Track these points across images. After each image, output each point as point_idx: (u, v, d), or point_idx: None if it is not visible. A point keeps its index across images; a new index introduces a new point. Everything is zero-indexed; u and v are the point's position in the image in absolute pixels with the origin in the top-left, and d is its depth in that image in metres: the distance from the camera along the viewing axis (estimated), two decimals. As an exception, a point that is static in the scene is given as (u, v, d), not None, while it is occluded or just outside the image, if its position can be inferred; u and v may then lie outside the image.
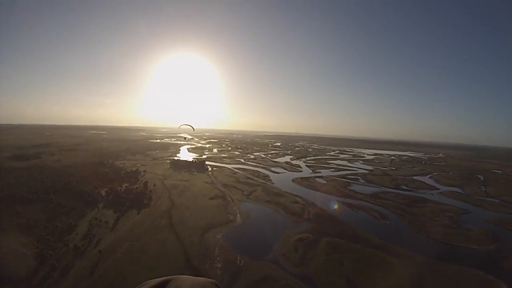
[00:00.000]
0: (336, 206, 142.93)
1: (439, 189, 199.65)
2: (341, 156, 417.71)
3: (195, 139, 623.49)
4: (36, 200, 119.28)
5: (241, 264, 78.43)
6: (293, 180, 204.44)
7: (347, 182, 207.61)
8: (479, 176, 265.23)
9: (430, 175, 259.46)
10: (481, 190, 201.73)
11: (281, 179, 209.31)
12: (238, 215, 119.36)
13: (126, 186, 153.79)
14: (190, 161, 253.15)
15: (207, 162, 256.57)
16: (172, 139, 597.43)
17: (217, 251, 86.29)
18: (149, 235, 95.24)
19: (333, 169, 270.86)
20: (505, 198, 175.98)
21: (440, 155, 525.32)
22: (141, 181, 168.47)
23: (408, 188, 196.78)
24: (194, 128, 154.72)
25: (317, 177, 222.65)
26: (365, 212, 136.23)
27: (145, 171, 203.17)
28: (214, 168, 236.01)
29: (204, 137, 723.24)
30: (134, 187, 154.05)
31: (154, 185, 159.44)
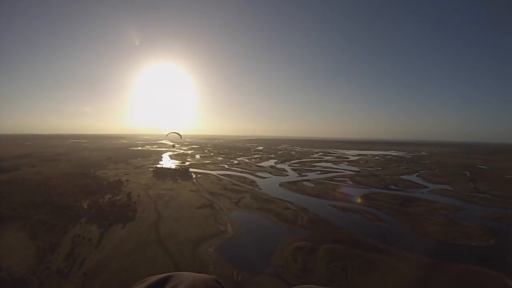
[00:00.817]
0: (328, 210, 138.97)
1: (428, 187, 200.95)
2: (325, 158, 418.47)
3: (176, 145, 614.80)
4: (15, 217, 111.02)
5: (239, 280, 72.45)
6: (280, 185, 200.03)
7: (336, 184, 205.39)
8: (466, 172, 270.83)
9: (417, 174, 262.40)
10: (470, 186, 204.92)
11: (268, 184, 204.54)
12: (229, 225, 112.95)
13: (109, 198, 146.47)
14: (173, 169, 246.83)
15: (191, 169, 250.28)
16: (154, 146, 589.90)
17: (212, 266, 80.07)
18: (137, 253, 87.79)
19: (319, 172, 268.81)
20: (494, 193, 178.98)
21: (423, 153, 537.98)
22: (124, 191, 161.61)
23: (397, 188, 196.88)
24: (181, 135, 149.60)
25: (304, 180, 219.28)
26: (359, 214, 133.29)
27: (127, 180, 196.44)
28: (199, 175, 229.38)
29: (185, 143, 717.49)
30: (117, 198, 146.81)
31: (138, 196, 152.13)
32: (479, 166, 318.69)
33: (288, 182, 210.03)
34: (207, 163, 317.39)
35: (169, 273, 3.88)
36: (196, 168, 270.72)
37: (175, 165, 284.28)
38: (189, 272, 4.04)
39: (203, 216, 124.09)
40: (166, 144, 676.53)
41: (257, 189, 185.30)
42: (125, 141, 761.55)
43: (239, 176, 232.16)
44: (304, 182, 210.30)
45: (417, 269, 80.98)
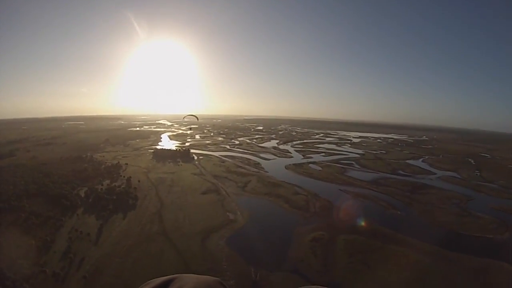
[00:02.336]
0: (340, 196, 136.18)
1: (435, 173, 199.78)
2: (327, 139, 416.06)
3: (175, 125, 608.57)
4: (7, 209, 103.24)
5: (258, 278, 68.81)
6: (286, 167, 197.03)
7: (343, 168, 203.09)
8: (470, 160, 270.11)
9: (422, 159, 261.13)
10: (476, 174, 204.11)
11: (273, 166, 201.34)
12: (239, 213, 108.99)
13: (107, 184, 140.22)
14: (174, 150, 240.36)
15: (192, 150, 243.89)
16: (152, 127, 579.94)
17: (225, 263, 75.62)
18: (140, 248, 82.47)
19: (323, 154, 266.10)
20: (502, 183, 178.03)
21: (424, 137, 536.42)
22: (124, 176, 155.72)
23: (405, 173, 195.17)
24: (198, 117, 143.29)
25: (310, 163, 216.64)
26: (373, 201, 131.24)
27: (126, 164, 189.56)
28: (200, 157, 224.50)
29: (184, 123, 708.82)
30: (116, 184, 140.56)
31: (139, 181, 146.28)
32: (482, 154, 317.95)
33: (293, 164, 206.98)
34: (208, 144, 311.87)
35: (172, 275, 3.93)
36: (197, 149, 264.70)
37: (175, 146, 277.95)
38: (193, 274, 4.07)
39: (209, 202, 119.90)
40: (164, 124, 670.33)
41: (262, 171, 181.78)
42: (122, 122, 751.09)
43: (242, 158, 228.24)
44: (310, 165, 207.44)
45: (438, 262, 79.53)
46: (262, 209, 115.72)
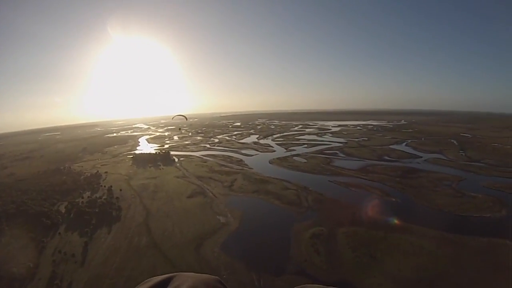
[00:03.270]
0: (331, 187, 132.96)
1: (421, 157, 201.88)
2: (307, 130, 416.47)
3: (152, 128, 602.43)
4: None
5: (262, 285, 62.87)
6: (270, 162, 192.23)
7: (328, 158, 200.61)
8: (452, 140, 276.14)
9: (405, 143, 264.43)
10: (462, 154, 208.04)
11: (257, 162, 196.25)
12: (229, 215, 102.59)
13: (88, 196, 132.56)
14: (153, 154, 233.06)
15: (172, 152, 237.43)
16: (129, 131, 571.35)
17: (224, 272, 69.40)
18: (131, 265, 74.91)
19: (306, 145, 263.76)
20: (488, 162, 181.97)
21: (403, 121, 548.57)
22: (104, 186, 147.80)
23: (392, 159, 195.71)
24: (186, 117, 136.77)
25: (294, 155, 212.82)
26: (365, 190, 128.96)
27: (106, 172, 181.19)
28: (182, 158, 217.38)
29: (161, 125, 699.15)
30: (98, 196, 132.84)
31: (120, 190, 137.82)
32: (463, 134, 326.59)
33: (277, 158, 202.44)
34: (187, 144, 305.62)
35: (171, 274, 4.00)
36: (177, 151, 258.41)
37: (155, 150, 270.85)
38: (192, 273, 4.14)
39: (197, 206, 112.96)
40: (141, 127, 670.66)
41: (247, 168, 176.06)
42: (99, 129, 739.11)
43: (224, 156, 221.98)
44: (294, 158, 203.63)
45: (443, 246, 77.86)
46: (253, 209, 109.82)
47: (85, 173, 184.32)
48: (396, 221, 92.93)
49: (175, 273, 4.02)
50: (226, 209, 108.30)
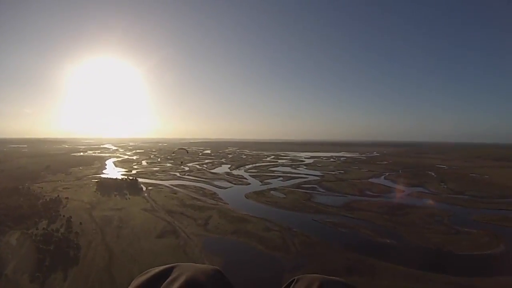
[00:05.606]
0: (317, 228, 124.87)
1: (404, 191, 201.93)
2: (280, 161, 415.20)
3: (120, 150, 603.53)
4: None
5: None
6: (246, 197, 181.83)
7: (307, 193, 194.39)
8: (430, 172, 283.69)
9: (383, 176, 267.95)
10: (443, 187, 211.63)
11: (232, 196, 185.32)
12: (207, 263, 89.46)
13: (43, 228, 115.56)
14: (120, 180, 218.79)
15: (139, 179, 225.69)
16: (96, 152, 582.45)
17: None
18: None
19: (281, 178, 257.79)
20: (471, 193, 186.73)
21: (375, 153, 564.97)
22: (63, 216, 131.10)
23: (374, 194, 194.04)
24: (188, 151, 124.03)
25: (271, 189, 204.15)
26: (355, 230, 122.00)
27: (67, 198, 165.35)
28: (150, 187, 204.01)
29: (129, 148, 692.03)
30: (55, 228, 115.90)
31: (81, 223, 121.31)
32: (438, 165, 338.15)
33: (253, 192, 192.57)
34: (156, 171, 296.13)
35: (171, 264, 4.12)
36: (145, 178, 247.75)
37: (122, 175, 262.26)
38: (191, 263, 4.24)
39: (168, 249, 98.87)
40: (109, 148, 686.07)
41: (221, 203, 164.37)
42: (66, 146, 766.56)
43: (196, 187, 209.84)
44: (271, 192, 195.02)
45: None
46: (234, 255, 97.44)
47: (44, 196, 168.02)
48: (397, 267, 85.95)
49: (174, 264, 4.08)
50: (203, 255, 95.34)
